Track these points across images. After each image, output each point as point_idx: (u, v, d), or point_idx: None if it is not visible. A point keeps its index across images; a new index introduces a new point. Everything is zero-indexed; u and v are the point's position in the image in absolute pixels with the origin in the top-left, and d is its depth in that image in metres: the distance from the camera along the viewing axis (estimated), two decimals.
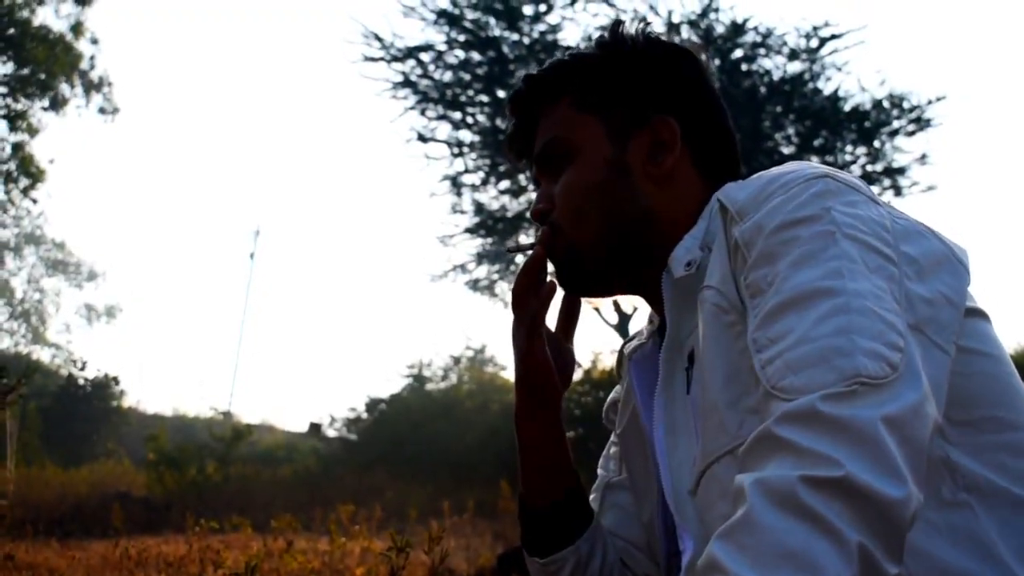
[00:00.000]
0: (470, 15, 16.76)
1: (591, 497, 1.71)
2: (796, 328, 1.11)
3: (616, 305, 20.72)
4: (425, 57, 17.20)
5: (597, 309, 21.04)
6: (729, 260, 1.26)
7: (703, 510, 1.27)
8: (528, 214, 1.60)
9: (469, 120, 18.18)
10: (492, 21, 16.87)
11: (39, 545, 7.02)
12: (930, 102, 16.01)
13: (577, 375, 12.51)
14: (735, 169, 1.54)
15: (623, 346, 1.66)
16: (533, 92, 1.58)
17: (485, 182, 19.19)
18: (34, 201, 24.56)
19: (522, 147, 1.64)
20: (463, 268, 20.88)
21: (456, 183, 19.05)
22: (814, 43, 15.95)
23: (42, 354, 46.60)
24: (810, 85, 16.46)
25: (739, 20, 15.91)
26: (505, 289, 21.55)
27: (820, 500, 0.96)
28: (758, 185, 1.26)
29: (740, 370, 1.21)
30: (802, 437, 1.02)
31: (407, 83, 17.35)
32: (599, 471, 1.76)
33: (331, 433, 23.19)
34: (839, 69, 16.32)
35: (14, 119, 22.88)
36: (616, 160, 1.48)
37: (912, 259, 1.20)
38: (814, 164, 1.28)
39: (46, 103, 23.43)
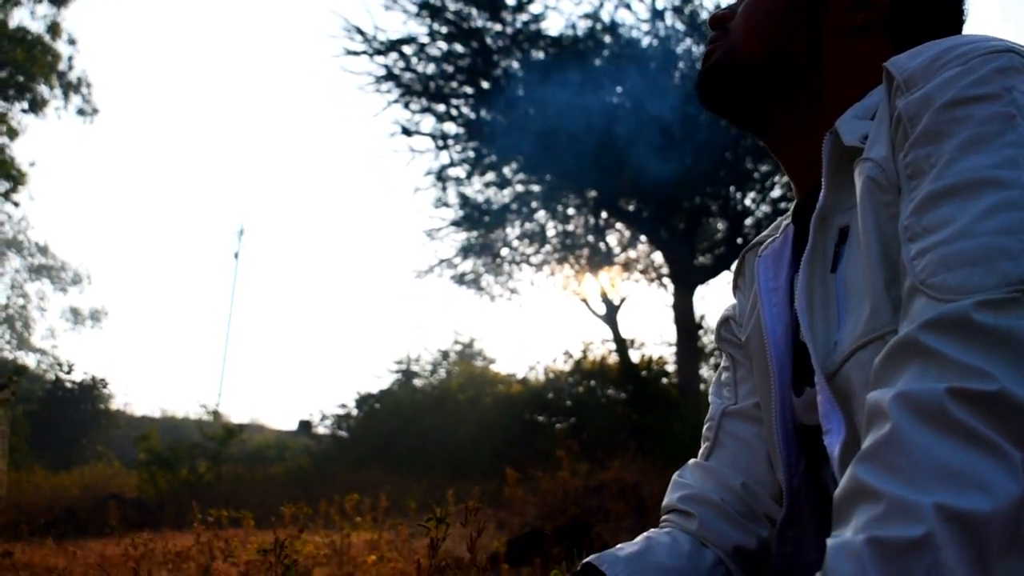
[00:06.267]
0: (452, 6, 16.68)
1: (705, 428, 1.58)
2: (957, 219, 1.01)
3: (604, 295, 20.73)
4: (408, 50, 17.12)
5: (585, 300, 21.08)
6: (889, 134, 1.15)
7: (846, 398, 1.17)
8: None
9: (453, 112, 18.11)
10: (474, 12, 16.79)
11: (34, 546, 6.92)
12: None
13: (567, 366, 12.41)
14: None
15: (746, 250, 1.57)
16: None
17: (470, 175, 19.14)
18: (15, 204, 24.41)
19: None
20: (449, 262, 20.83)
21: (441, 177, 19.00)
22: None
23: (28, 360, 46.28)
24: None
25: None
26: (491, 282, 21.54)
27: (972, 415, 0.88)
28: (931, 54, 1.14)
29: (894, 254, 1.11)
30: (951, 347, 0.93)
31: (390, 76, 17.25)
32: (711, 399, 1.62)
33: (321, 431, 23.08)
34: None
35: None
36: None
37: None
38: (997, 36, 1.15)
39: (25, 105, 23.25)
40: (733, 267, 1.62)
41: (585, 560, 1.30)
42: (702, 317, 20.81)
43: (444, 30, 16.91)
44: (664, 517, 1.50)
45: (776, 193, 18.43)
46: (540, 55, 17.15)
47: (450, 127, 18.34)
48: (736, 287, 1.60)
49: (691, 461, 1.56)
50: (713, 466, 1.50)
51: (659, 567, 1.31)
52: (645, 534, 1.41)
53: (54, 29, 23.30)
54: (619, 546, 1.34)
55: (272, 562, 2.25)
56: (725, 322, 1.62)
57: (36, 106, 23.32)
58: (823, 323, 1.24)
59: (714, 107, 1.47)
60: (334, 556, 5.36)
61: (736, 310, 1.59)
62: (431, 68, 17.48)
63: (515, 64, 17.48)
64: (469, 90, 17.74)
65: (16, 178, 23.39)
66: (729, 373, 1.59)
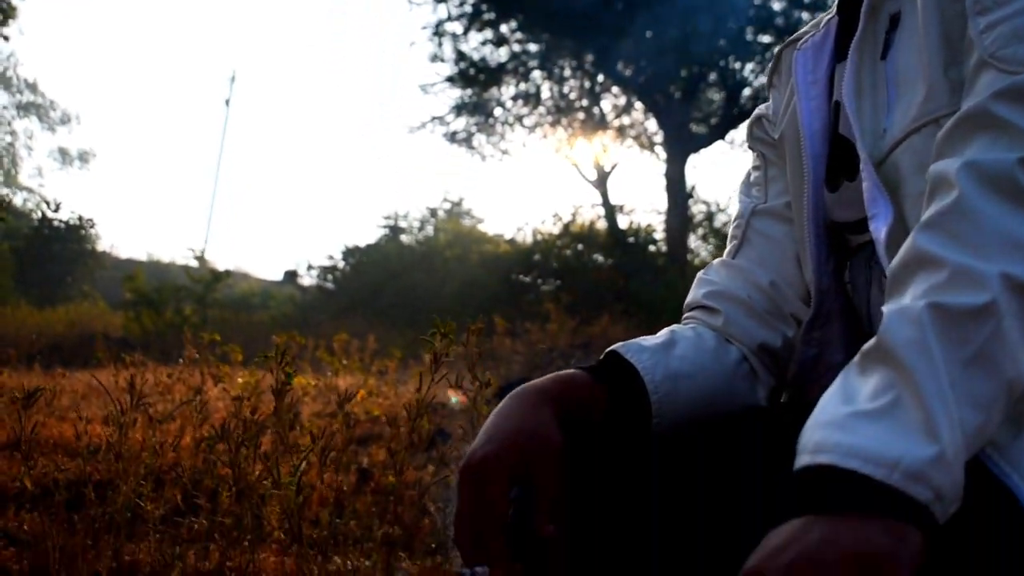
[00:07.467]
0: None
1: (732, 227, 1.52)
2: None
3: (596, 162, 20.65)
4: None
5: (576, 165, 21.00)
6: None
7: (895, 186, 1.14)
8: None
9: None
10: None
11: (20, 372, 6.94)
12: None
13: (556, 228, 12.38)
14: None
15: (783, 47, 1.50)
16: None
17: (467, 31, 18.88)
18: (5, 39, 23.91)
19: None
20: (442, 120, 20.69)
21: (438, 31, 18.73)
22: None
23: (14, 198, 45.96)
24: None
25: None
26: (483, 142, 21.42)
27: None
28: None
29: (955, 35, 1.07)
30: (1023, 116, 0.90)
31: None
32: (740, 199, 1.55)
33: (307, 281, 23.15)
34: None
35: None
36: None
37: None
38: None
39: None
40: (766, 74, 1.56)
41: (610, 348, 1.27)
42: (693, 187, 20.79)
43: None
44: (688, 314, 1.46)
45: None
46: None
47: None
48: (771, 85, 1.53)
49: (716, 260, 1.51)
50: (740, 264, 1.45)
51: (683, 359, 1.27)
52: (668, 328, 1.37)
53: None
54: (642, 338, 1.31)
55: (273, 369, 2.23)
56: (757, 120, 1.55)
57: None
58: (871, 111, 1.20)
59: None
60: (323, 392, 5.40)
61: (770, 109, 1.53)
62: None
63: None
64: None
65: (5, 11, 22.86)
66: (760, 172, 1.52)
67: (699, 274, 1.50)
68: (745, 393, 1.33)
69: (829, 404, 0.87)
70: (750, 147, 1.56)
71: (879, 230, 1.11)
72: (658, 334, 1.34)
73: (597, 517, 1.11)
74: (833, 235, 1.34)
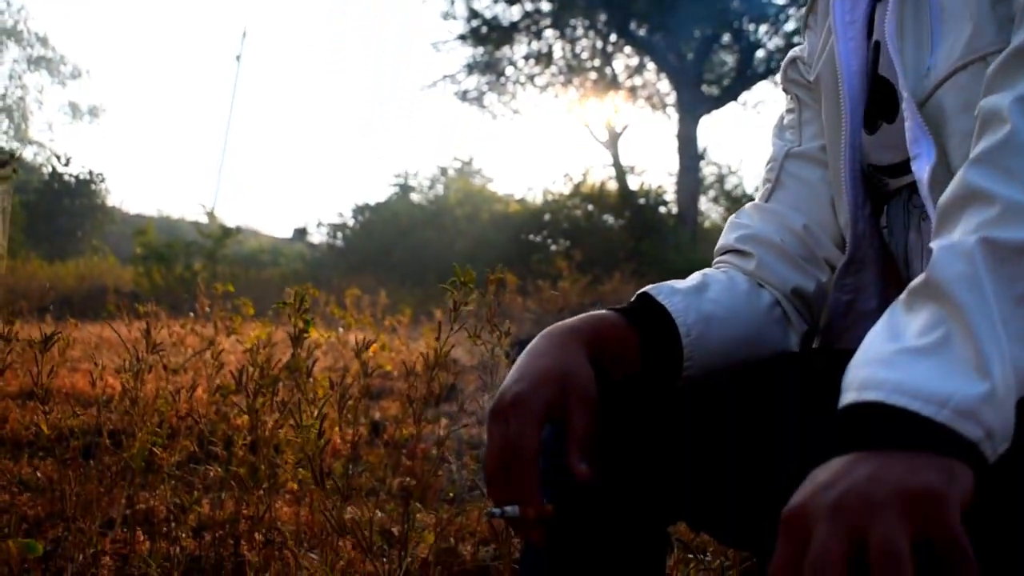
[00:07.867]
0: None
1: (766, 170, 1.48)
2: None
3: (607, 123, 20.60)
4: None
5: (587, 125, 20.96)
6: None
7: (938, 126, 1.11)
8: None
9: None
10: None
11: (32, 324, 6.94)
12: None
13: (566, 189, 12.32)
14: None
15: None
16: None
17: None
18: None
19: None
20: (453, 78, 20.65)
21: None
22: None
23: (25, 152, 45.84)
24: None
25: None
26: (494, 101, 21.37)
27: None
28: None
29: None
30: None
31: None
32: (773, 142, 1.51)
33: (316, 239, 23.15)
34: None
35: None
36: None
37: None
38: None
39: None
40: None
41: (641, 290, 1.25)
42: (704, 149, 20.72)
43: None
44: (720, 258, 1.43)
45: (790, 26, 18.14)
46: None
47: None
48: (806, 26, 1.49)
49: (749, 204, 1.48)
50: (774, 207, 1.42)
51: (716, 303, 1.24)
52: (700, 272, 1.34)
53: None
54: (673, 281, 1.29)
55: (290, 315, 2.22)
56: (792, 62, 1.51)
57: None
58: (913, 49, 1.17)
59: None
60: (335, 347, 5.40)
61: (805, 50, 1.50)
62: None
63: None
64: None
65: None
66: (794, 115, 1.48)
67: (731, 218, 1.46)
68: (777, 338, 1.31)
69: (875, 341, 0.85)
70: (784, 89, 1.52)
71: (922, 170, 1.09)
72: (690, 277, 1.31)
73: (630, 458, 1.10)
74: (869, 179, 1.31)
